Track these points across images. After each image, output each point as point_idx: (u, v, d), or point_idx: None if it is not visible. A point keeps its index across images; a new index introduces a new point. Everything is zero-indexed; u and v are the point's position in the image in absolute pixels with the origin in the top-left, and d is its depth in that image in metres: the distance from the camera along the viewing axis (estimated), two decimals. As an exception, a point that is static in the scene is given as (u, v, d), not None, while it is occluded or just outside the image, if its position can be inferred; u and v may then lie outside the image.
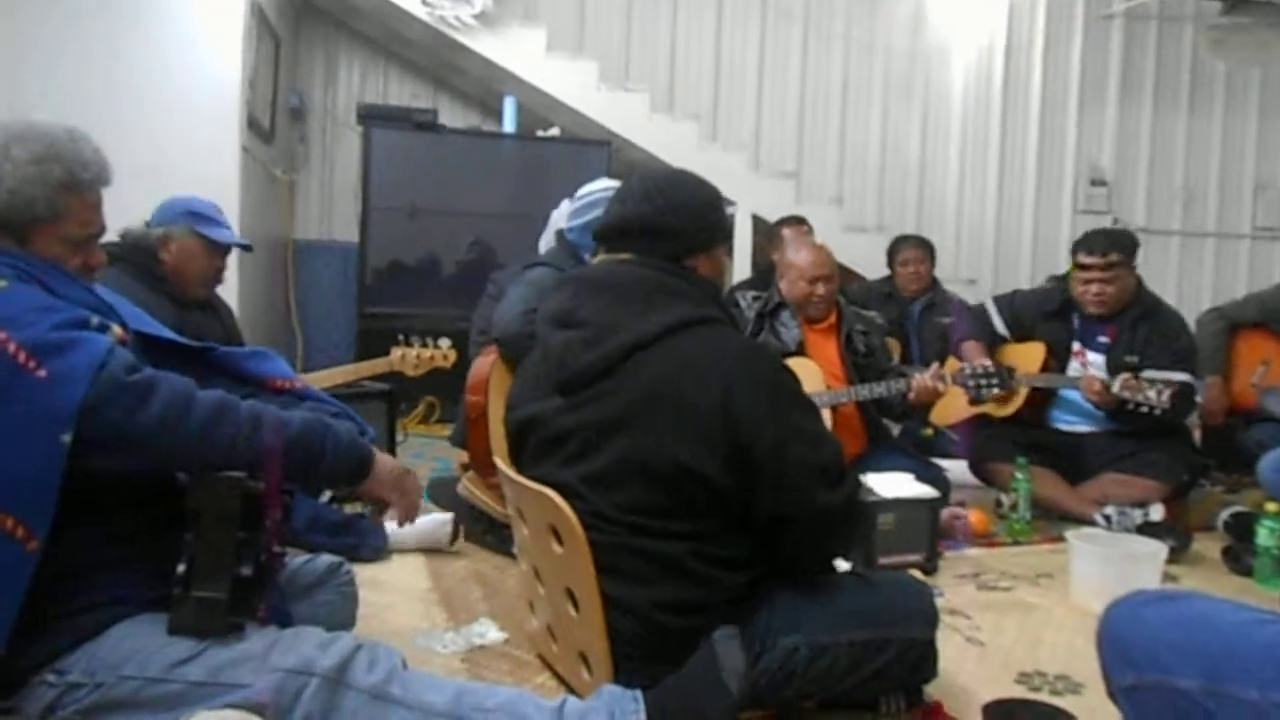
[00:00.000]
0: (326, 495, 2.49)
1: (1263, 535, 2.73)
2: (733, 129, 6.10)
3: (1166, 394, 3.10)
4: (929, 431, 4.25)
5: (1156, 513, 3.13)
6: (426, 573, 2.65)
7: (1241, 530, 3.02)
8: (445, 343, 3.34)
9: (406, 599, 2.43)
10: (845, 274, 3.94)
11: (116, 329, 1.48)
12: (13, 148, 1.44)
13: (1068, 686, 1.98)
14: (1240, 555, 2.85)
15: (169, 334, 1.72)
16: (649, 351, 1.64)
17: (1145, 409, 3.14)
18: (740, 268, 5.62)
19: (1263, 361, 3.80)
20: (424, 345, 3.31)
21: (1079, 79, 6.51)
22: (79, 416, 1.29)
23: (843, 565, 1.97)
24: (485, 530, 2.87)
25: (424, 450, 4.38)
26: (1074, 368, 3.51)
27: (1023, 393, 3.49)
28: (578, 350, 1.70)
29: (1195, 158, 6.70)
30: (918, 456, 3.40)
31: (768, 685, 1.61)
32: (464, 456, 3.07)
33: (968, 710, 1.83)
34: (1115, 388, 3.18)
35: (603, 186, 3.02)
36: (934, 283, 4.90)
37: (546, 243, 3.25)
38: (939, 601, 1.89)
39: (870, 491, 2.64)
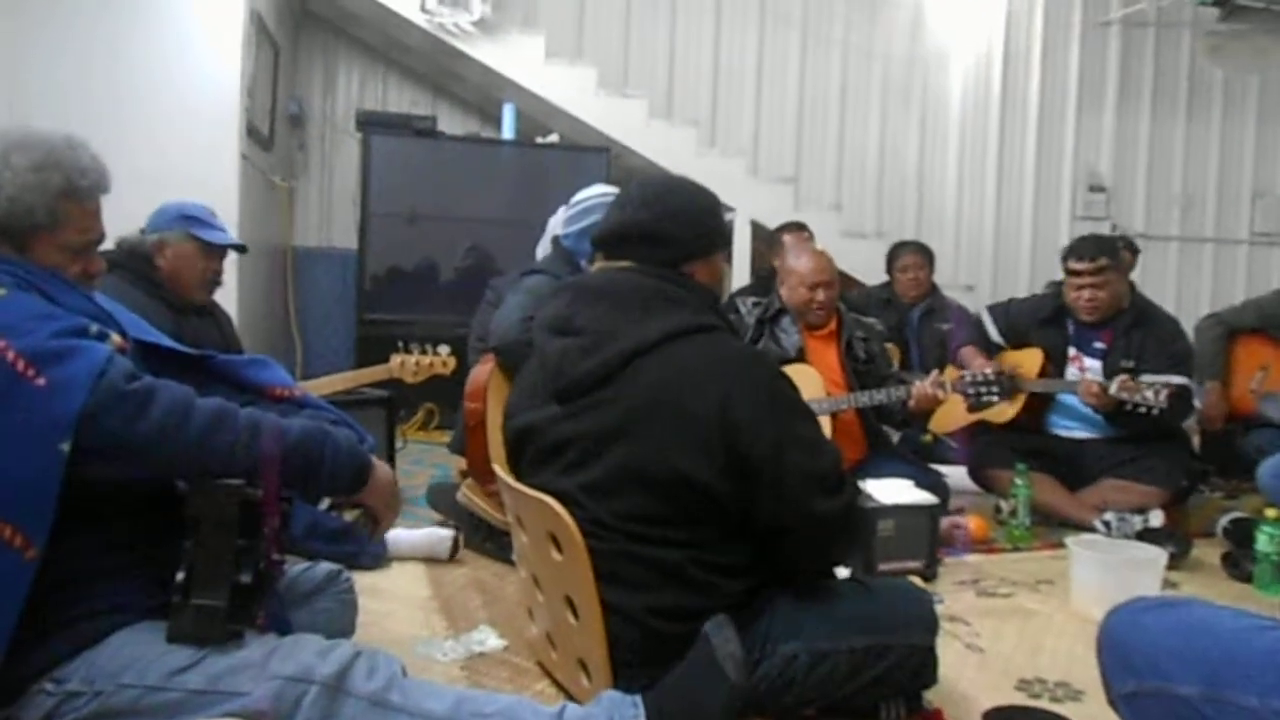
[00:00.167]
0: (325, 503, 2.48)
1: (1262, 541, 2.73)
2: (731, 135, 6.11)
3: (1164, 394, 3.10)
4: (928, 437, 4.25)
5: (1156, 518, 3.13)
6: (426, 580, 2.64)
7: (1241, 536, 3.03)
8: (444, 349, 3.34)
9: (406, 606, 2.43)
10: (844, 280, 3.93)
11: (115, 337, 1.48)
12: (12, 155, 1.45)
13: (1068, 693, 1.98)
14: (1240, 561, 2.85)
15: (168, 341, 1.71)
16: (647, 359, 1.64)
17: (1143, 410, 3.14)
18: (739, 274, 5.61)
19: (1261, 367, 3.81)
20: (423, 352, 3.31)
21: (1077, 85, 6.53)
22: (78, 425, 1.29)
23: (842, 572, 1.97)
24: (484, 537, 2.87)
25: (423, 457, 4.38)
26: (1071, 374, 3.51)
27: (1020, 399, 3.49)
28: (576, 358, 1.70)
29: (1193, 164, 6.71)
30: (917, 463, 3.40)
31: (767, 692, 1.61)
32: (463, 463, 3.07)
33: (968, 717, 1.83)
34: (1113, 389, 3.18)
35: (598, 192, 3.03)
36: (933, 288, 4.90)
37: (544, 249, 3.25)
38: (939, 608, 1.89)
39: (870, 498, 2.64)
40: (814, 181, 6.24)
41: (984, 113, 6.47)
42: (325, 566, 1.87)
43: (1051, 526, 3.30)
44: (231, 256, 2.98)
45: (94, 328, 1.43)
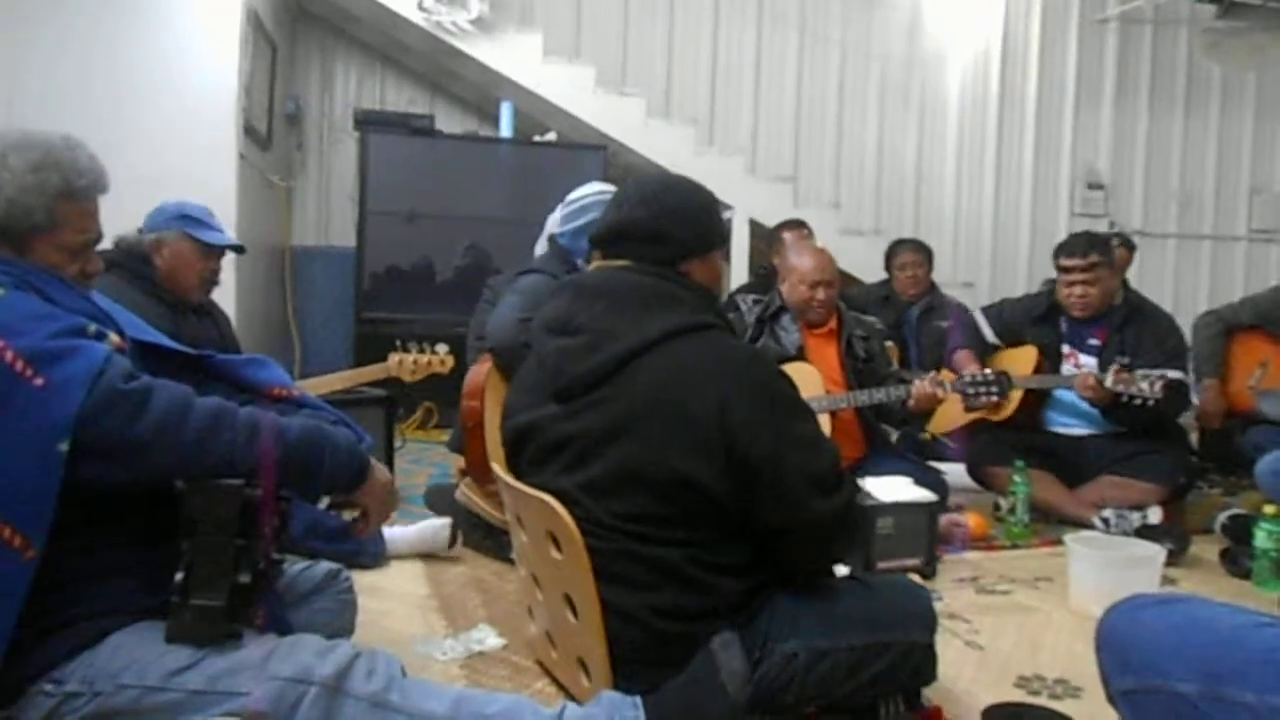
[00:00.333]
0: (324, 502, 2.49)
1: (1260, 538, 2.74)
2: (730, 133, 6.11)
3: (1159, 384, 3.11)
4: (927, 435, 4.25)
5: (1154, 515, 3.13)
6: (425, 579, 2.64)
7: (1239, 533, 3.03)
8: (442, 348, 3.34)
9: (405, 606, 2.43)
10: (843, 278, 3.93)
11: (114, 337, 1.48)
12: (10, 157, 1.44)
13: (1067, 690, 1.98)
14: (1238, 558, 2.86)
15: (166, 341, 1.71)
16: (646, 358, 1.64)
17: (1139, 401, 3.15)
18: (738, 272, 5.62)
19: (1259, 364, 3.81)
20: (421, 350, 3.31)
21: (1074, 83, 6.53)
22: (76, 425, 1.29)
23: (841, 570, 1.97)
24: (484, 536, 2.87)
25: (422, 456, 4.39)
26: (1067, 370, 3.52)
27: (1017, 396, 3.49)
28: (574, 357, 1.70)
29: (1191, 161, 6.73)
30: (916, 460, 3.40)
31: (767, 691, 1.60)
32: (462, 462, 3.06)
33: (967, 714, 1.83)
34: (1108, 381, 3.19)
35: (594, 190, 3.02)
36: (932, 286, 4.90)
37: (541, 248, 3.25)
38: (938, 605, 1.88)
39: (868, 496, 2.64)
40: (812, 180, 6.24)
41: (982, 110, 6.47)
42: (324, 566, 1.87)
43: (1050, 524, 3.30)
44: (230, 256, 2.99)
45: (92, 327, 1.43)
